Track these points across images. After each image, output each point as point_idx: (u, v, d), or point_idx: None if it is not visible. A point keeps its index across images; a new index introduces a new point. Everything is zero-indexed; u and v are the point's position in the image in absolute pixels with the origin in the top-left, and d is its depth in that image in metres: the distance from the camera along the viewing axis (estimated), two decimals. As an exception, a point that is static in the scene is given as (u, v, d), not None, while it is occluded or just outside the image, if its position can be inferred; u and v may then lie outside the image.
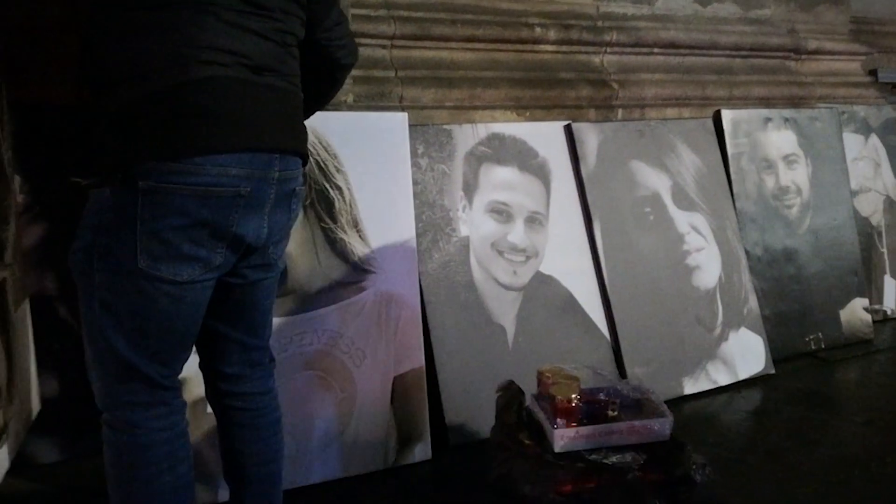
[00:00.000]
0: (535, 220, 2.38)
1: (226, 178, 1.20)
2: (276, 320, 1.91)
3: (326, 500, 1.88)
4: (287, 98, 1.32)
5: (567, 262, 2.40)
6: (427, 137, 2.27)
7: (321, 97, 1.59)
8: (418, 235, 2.17)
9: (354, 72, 2.19)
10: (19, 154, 1.98)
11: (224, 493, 1.83)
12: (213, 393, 1.51)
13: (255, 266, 1.37)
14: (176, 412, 1.34)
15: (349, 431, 1.99)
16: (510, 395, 1.71)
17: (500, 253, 2.31)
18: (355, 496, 1.90)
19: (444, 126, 2.31)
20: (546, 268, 2.37)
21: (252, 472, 1.50)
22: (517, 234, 2.34)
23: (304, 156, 1.38)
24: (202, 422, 1.84)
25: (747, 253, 2.75)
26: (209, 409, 1.83)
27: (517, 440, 1.63)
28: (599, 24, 2.77)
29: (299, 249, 1.97)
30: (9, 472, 1.89)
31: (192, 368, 1.83)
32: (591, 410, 1.63)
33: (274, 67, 1.28)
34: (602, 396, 1.65)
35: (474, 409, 2.14)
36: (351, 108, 2.17)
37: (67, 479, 1.91)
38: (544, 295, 2.34)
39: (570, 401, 1.59)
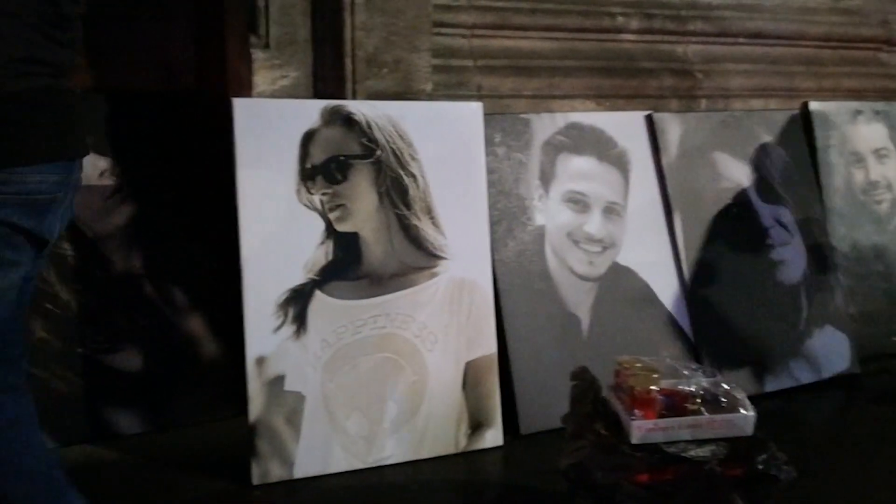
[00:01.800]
0: (612, 211, 2.34)
1: (45, 186, 1.25)
2: (351, 303, 1.97)
3: (398, 481, 1.90)
4: (81, 103, 1.37)
5: (645, 253, 2.36)
6: (504, 126, 2.26)
7: None
8: (493, 223, 2.17)
9: (434, 61, 2.22)
10: (110, 138, 2.08)
11: (301, 469, 1.89)
12: None
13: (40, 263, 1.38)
14: None
15: (421, 414, 2.00)
16: (585, 384, 1.68)
17: (576, 243, 2.29)
18: (427, 478, 1.92)
19: (522, 115, 2.30)
20: (623, 259, 2.33)
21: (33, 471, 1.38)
22: (594, 224, 2.31)
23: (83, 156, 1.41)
24: (280, 399, 1.89)
25: (834, 249, 2.65)
26: (287, 387, 1.90)
27: (592, 430, 1.61)
28: (683, 13, 2.72)
29: (374, 235, 2.00)
30: (92, 442, 1.99)
31: (269, 346, 1.90)
32: (670, 403, 1.59)
33: (68, 75, 1.33)
34: (682, 389, 1.61)
35: (546, 398, 2.12)
36: (430, 96, 2.18)
37: (148, 451, 1.99)
38: (621, 286, 2.31)
39: (648, 392, 1.55)
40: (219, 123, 2.18)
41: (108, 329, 2.04)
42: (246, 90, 2.04)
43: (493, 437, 2.06)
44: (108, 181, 2.06)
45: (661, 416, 1.58)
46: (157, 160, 2.12)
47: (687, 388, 1.64)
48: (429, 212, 2.06)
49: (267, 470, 1.87)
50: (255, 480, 1.85)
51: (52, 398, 1.97)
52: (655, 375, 1.61)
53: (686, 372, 1.67)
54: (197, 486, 1.86)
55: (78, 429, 1.99)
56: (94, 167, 2.05)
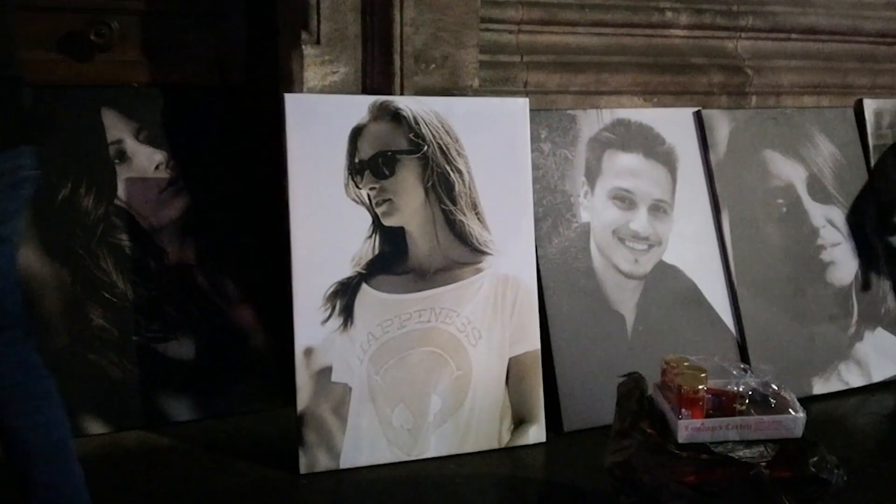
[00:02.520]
0: (659, 209, 2.32)
1: None
2: (397, 297, 2.00)
3: (442, 474, 1.92)
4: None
5: (692, 252, 2.33)
6: (550, 122, 2.26)
7: None
8: (538, 220, 2.17)
9: (481, 57, 2.22)
10: (165, 132, 2.13)
11: (347, 460, 1.92)
12: None
13: None
14: None
15: (464, 409, 2.02)
16: (632, 382, 1.68)
17: (622, 240, 2.28)
18: (470, 472, 1.93)
19: (568, 111, 2.30)
20: (669, 257, 2.31)
21: (34, 444, 1.44)
22: (640, 221, 2.29)
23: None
24: (327, 390, 1.92)
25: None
26: (334, 379, 1.93)
27: (638, 428, 1.60)
28: (734, 8, 2.67)
29: (420, 230, 2.02)
30: (146, 428, 2.05)
31: (316, 338, 1.93)
32: (718, 403, 1.58)
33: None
34: (730, 389, 1.60)
35: (590, 396, 2.13)
36: (476, 92, 2.19)
37: (198, 438, 2.04)
38: (666, 285, 2.29)
39: (696, 391, 1.54)
40: (270, 118, 2.22)
41: (161, 318, 2.09)
42: (296, 85, 2.07)
43: (535, 433, 2.07)
44: (164, 174, 2.12)
45: (709, 415, 1.57)
46: (210, 154, 2.17)
47: (735, 389, 1.62)
48: (474, 207, 2.07)
49: (314, 459, 1.90)
50: (303, 469, 1.89)
51: (108, 385, 2.03)
52: (703, 375, 1.60)
53: (734, 372, 1.66)
54: (246, 473, 1.90)
55: (132, 415, 2.05)
56: (150, 160, 2.11)
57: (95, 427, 2.02)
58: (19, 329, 1.42)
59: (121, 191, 2.08)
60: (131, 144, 2.10)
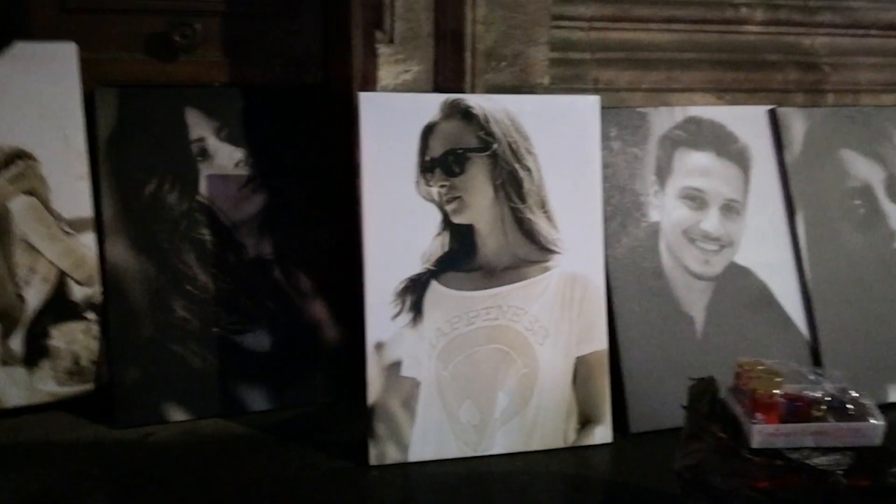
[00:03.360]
0: (731, 209, 2.29)
1: None
2: (465, 294, 2.02)
3: (509, 471, 1.94)
4: None
5: (764, 253, 2.29)
6: (620, 120, 2.25)
7: None
8: (607, 219, 2.16)
9: (551, 54, 2.22)
10: (244, 130, 2.20)
11: (415, 453, 1.96)
12: None
13: None
14: None
15: (531, 407, 2.03)
16: (704, 385, 1.67)
17: (692, 241, 2.25)
18: (536, 470, 1.95)
19: (639, 109, 2.28)
20: (741, 258, 2.27)
21: None
22: (711, 221, 2.27)
23: None
24: (397, 384, 1.96)
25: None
26: (403, 373, 1.97)
27: (710, 432, 1.60)
28: (811, 3, 2.60)
29: (489, 227, 2.04)
30: (224, 417, 2.13)
31: (387, 333, 1.97)
32: (794, 408, 1.56)
33: None
34: (807, 394, 1.57)
35: (657, 398, 2.11)
36: (547, 90, 2.19)
37: (273, 427, 2.10)
38: (738, 287, 2.25)
39: (770, 396, 1.53)
40: (343, 117, 2.28)
41: (239, 310, 2.17)
42: (370, 84, 2.11)
43: (602, 433, 2.07)
44: (243, 171, 2.19)
45: (784, 421, 1.55)
46: (287, 152, 2.24)
47: (812, 394, 1.59)
48: (543, 206, 2.08)
49: (383, 452, 1.95)
50: (372, 461, 1.94)
51: (189, 374, 2.12)
52: (779, 379, 1.58)
53: (811, 377, 1.63)
54: (318, 462, 1.96)
55: (211, 403, 2.13)
56: (230, 158, 2.18)
57: (177, 414, 2.10)
58: None
59: (203, 187, 2.16)
60: (213, 142, 2.18)
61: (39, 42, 2.04)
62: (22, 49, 1.98)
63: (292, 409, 2.18)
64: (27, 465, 1.90)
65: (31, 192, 2.00)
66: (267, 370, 2.18)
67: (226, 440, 2.04)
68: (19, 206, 2.00)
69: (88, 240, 2.05)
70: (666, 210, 2.25)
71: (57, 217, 2.03)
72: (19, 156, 1.99)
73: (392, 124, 1.99)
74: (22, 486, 1.81)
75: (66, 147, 2.02)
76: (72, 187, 2.03)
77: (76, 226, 2.04)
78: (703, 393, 1.69)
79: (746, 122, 2.35)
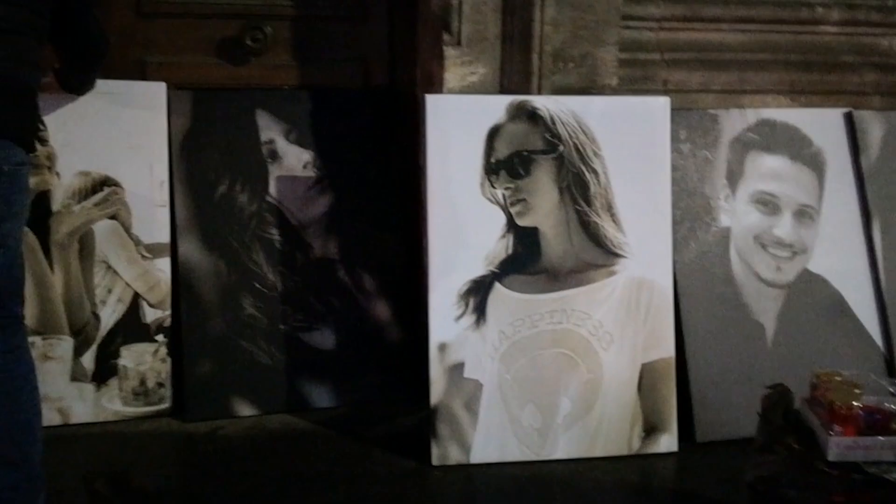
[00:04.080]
0: (804, 214, 2.22)
1: None
2: (529, 297, 2.01)
3: (571, 476, 1.93)
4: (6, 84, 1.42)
5: (839, 261, 2.22)
6: (690, 122, 2.21)
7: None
8: (675, 223, 2.12)
9: (619, 55, 2.20)
10: (312, 132, 2.24)
11: (477, 455, 1.96)
12: None
13: None
14: None
15: (594, 413, 2.01)
16: (777, 395, 1.63)
17: (764, 247, 2.20)
18: (599, 476, 1.93)
19: (710, 111, 2.23)
20: (814, 266, 2.21)
21: (19, 418, 1.56)
22: (784, 227, 2.20)
23: (13, 139, 1.45)
24: (460, 386, 1.97)
25: None
26: (466, 375, 1.98)
27: (784, 443, 1.56)
28: (890, 3, 2.50)
29: (554, 230, 2.02)
30: (290, 412, 2.17)
31: (450, 334, 1.98)
32: (872, 420, 1.51)
33: None
34: (887, 407, 1.52)
35: (725, 407, 2.07)
36: (615, 91, 2.17)
37: (337, 424, 2.13)
38: (811, 295, 2.19)
39: (849, 408, 1.48)
40: (409, 118, 2.30)
41: (305, 309, 2.21)
42: (436, 86, 2.12)
43: (667, 442, 2.03)
44: (311, 173, 2.23)
45: (862, 434, 1.50)
46: (353, 153, 2.27)
47: (892, 407, 1.54)
48: (609, 209, 2.05)
49: (446, 452, 1.95)
50: (435, 461, 1.95)
51: (257, 370, 2.17)
52: (857, 391, 1.53)
53: (892, 389, 1.58)
54: (381, 460, 1.98)
55: (277, 399, 2.18)
56: (299, 160, 2.23)
57: (245, 409, 2.16)
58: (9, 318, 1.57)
59: (272, 188, 2.21)
60: (282, 144, 2.22)
61: (132, 81, 2.15)
62: (116, 86, 2.10)
63: (355, 407, 2.21)
64: (103, 452, 1.98)
65: (114, 217, 2.10)
66: (331, 367, 2.22)
67: (292, 436, 2.08)
68: (103, 229, 2.10)
69: (164, 265, 2.13)
70: (737, 215, 2.20)
71: (136, 242, 2.11)
72: (107, 183, 2.09)
73: (457, 126, 1.99)
74: (96, 470, 1.88)
75: (150, 177, 2.12)
76: (152, 214, 2.12)
77: (154, 251, 2.13)
78: (777, 403, 1.65)
79: (821, 125, 2.28)
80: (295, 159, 2.23)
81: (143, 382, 2.12)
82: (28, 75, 1.51)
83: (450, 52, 2.09)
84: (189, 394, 2.12)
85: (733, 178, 2.21)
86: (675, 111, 2.14)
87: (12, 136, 1.47)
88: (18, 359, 1.57)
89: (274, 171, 2.21)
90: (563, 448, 2.00)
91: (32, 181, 1.96)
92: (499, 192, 2.01)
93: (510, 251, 2.01)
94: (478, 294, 1.99)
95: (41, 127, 1.98)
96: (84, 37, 1.67)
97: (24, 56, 1.49)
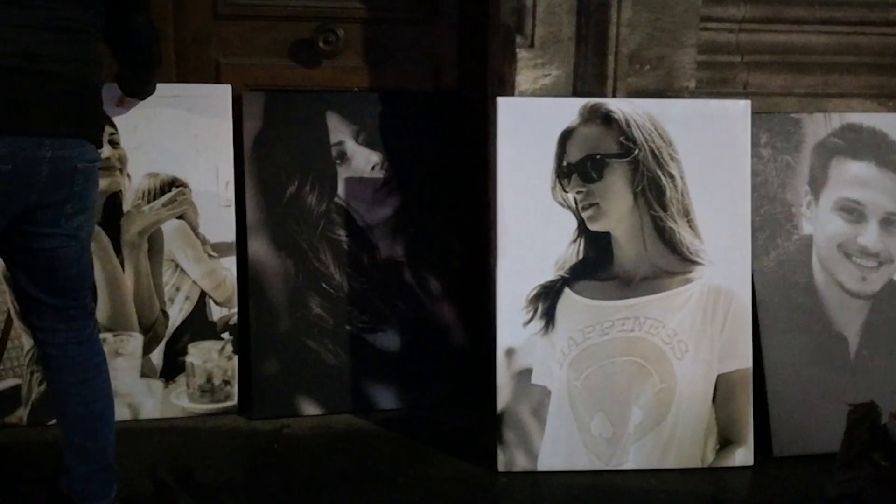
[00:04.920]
0: (891, 223, 2.12)
1: None
2: (600, 303, 1.96)
3: (642, 488, 1.87)
4: (65, 83, 1.44)
5: (931, 272, 2.11)
6: (772, 126, 2.13)
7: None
8: (755, 230, 2.05)
9: (697, 56, 2.13)
10: (381, 134, 2.23)
11: (544, 462, 1.92)
12: (35, 342, 1.64)
13: (47, 234, 1.50)
14: None
15: (667, 423, 1.95)
16: (864, 410, 1.54)
17: (848, 256, 2.10)
18: (671, 489, 1.87)
19: (792, 114, 2.15)
20: (903, 277, 2.11)
21: (74, 411, 1.60)
22: (870, 236, 2.10)
23: (87, 137, 1.51)
24: (527, 392, 1.93)
25: None
26: (534, 381, 1.94)
27: (870, 459, 1.47)
28: None
29: (627, 236, 1.97)
30: (354, 413, 2.16)
31: (518, 339, 1.94)
32: (973, 441, 1.42)
33: (50, 54, 1.40)
34: None
35: (805, 421, 1.99)
36: (692, 94, 2.10)
37: (401, 427, 2.12)
38: (898, 307, 2.09)
39: (945, 426, 1.39)
40: (478, 121, 2.28)
41: (371, 310, 2.20)
42: (507, 89, 2.10)
43: (743, 455, 1.96)
44: (379, 175, 2.22)
45: (960, 455, 1.41)
46: (422, 156, 2.26)
47: None
48: (686, 214, 1.99)
49: (512, 458, 1.92)
50: (501, 467, 1.92)
51: (323, 370, 2.17)
52: (953, 410, 1.44)
53: None
54: (445, 465, 1.96)
55: (343, 399, 2.18)
56: (367, 161, 2.23)
57: (310, 409, 2.16)
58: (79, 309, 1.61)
59: (340, 189, 2.21)
60: (351, 146, 2.23)
61: (199, 84, 2.19)
62: (183, 89, 2.14)
63: (419, 409, 2.19)
64: (170, 447, 2.00)
65: (182, 217, 2.14)
66: (396, 369, 2.21)
67: (356, 436, 2.08)
68: (171, 228, 2.14)
69: (230, 263, 2.15)
70: (820, 222, 2.11)
71: (203, 241, 2.14)
72: (175, 184, 2.13)
73: (529, 129, 1.96)
74: (163, 464, 1.91)
75: (217, 178, 2.15)
76: (218, 214, 2.15)
77: (220, 249, 2.15)
78: (863, 418, 1.56)
79: (911, 130, 2.18)
80: (363, 161, 2.23)
81: (209, 380, 2.15)
82: (94, 74, 1.54)
83: (522, 54, 2.06)
84: (255, 392, 2.14)
85: (816, 184, 2.12)
86: (756, 115, 2.07)
87: (85, 134, 1.52)
88: (90, 349, 1.62)
89: (342, 173, 2.22)
90: (633, 458, 1.94)
91: (104, 182, 2.05)
92: (570, 196, 1.97)
93: (581, 256, 1.97)
94: (547, 299, 1.95)
95: (108, 126, 2.05)
96: (131, 39, 1.69)
97: (90, 56, 1.52)
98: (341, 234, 2.20)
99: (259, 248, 2.16)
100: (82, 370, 1.60)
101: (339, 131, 2.22)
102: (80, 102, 1.50)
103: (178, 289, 2.14)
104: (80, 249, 1.57)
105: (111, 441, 1.63)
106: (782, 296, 2.06)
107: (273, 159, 2.19)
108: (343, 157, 2.22)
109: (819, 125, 2.14)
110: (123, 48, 1.72)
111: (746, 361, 1.98)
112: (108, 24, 1.58)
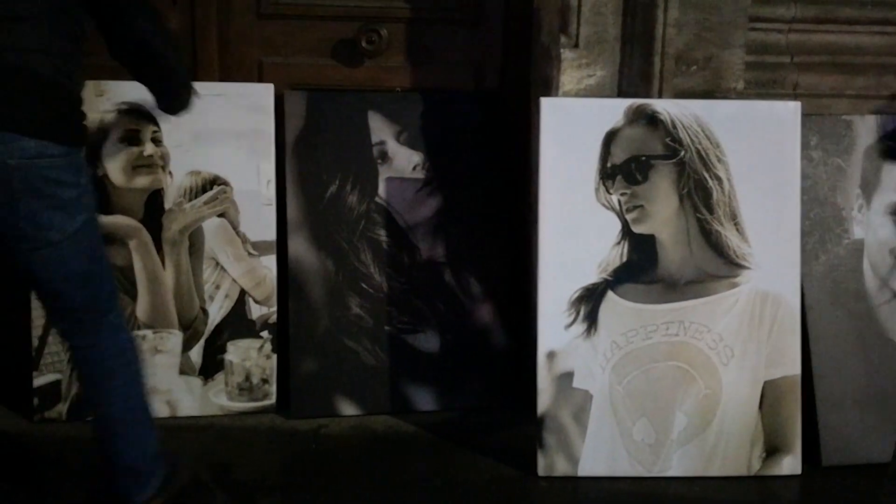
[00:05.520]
0: (947, 228, 2.06)
1: None
2: (643, 307, 1.93)
3: (686, 495, 1.84)
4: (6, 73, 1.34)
5: None
6: (822, 128, 2.08)
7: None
8: (804, 234, 2.00)
9: (746, 57, 2.09)
10: (423, 135, 2.22)
11: (585, 468, 1.89)
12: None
13: (12, 238, 1.41)
14: None
15: (711, 430, 1.91)
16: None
17: (901, 261, 2.05)
18: (716, 497, 1.84)
19: (844, 116, 2.10)
20: (960, 284, 2.04)
21: (94, 410, 1.60)
22: (924, 241, 2.05)
23: (20, 131, 1.34)
24: (568, 396, 1.90)
25: None
26: (575, 384, 1.91)
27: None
28: None
29: (672, 239, 1.94)
30: (393, 414, 2.15)
31: (559, 342, 1.92)
32: None
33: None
34: None
35: (854, 430, 1.95)
36: (740, 95, 2.07)
37: (440, 429, 2.11)
38: (954, 314, 2.03)
39: None
40: (520, 122, 2.26)
41: (411, 311, 2.19)
42: (550, 90, 2.08)
43: (790, 464, 1.91)
44: (420, 175, 2.22)
45: None
46: (463, 156, 2.24)
47: None
48: (733, 217, 1.95)
49: (552, 463, 1.90)
50: (541, 472, 1.89)
51: (362, 370, 2.16)
52: None
53: None
54: (484, 468, 1.94)
55: (381, 400, 2.17)
56: (409, 162, 2.22)
57: (349, 409, 2.15)
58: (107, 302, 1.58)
59: (381, 189, 2.21)
60: (392, 146, 2.22)
61: (241, 83, 2.19)
62: (225, 88, 2.15)
63: (458, 412, 2.17)
64: (208, 444, 2.01)
65: (223, 215, 2.15)
66: (435, 371, 2.19)
67: (394, 438, 2.06)
68: (212, 226, 2.15)
69: (270, 262, 2.16)
70: (871, 227, 2.05)
71: (244, 239, 2.15)
72: (216, 182, 2.14)
73: (573, 130, 1.94)
74: (201, 462, 1.91)
75: (258, 177, 2.15)
76: (259, 213, 2.15)
77: (260, 248, 2.15)
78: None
79: (968, 132, 2.12)
80: (405, 161, 2.22)
81: (248, 378, 2.15)
82: (41, 64, 1.38)
83: (566, 54, 2.04)
84: (294, 391, 2.13)
85: (868, 187, 2.07)
86: (806, 116, 2.02)
87: (16, 127, 1.36)
88: (102, 353, 1.55)
89: (384, 173, 2.21)
90: (676, 465, 1.91)
91: (147, 180, 2.07)
92: (614, 198, 1.94)
93: (625, 259, 1.94)
94: (589, 302, 1.93)
95: (151, 124, 2.05)
96: (138, 49, 1.51)
97: (38, 46, 1.37)
98: (381, 234, 2.20)
99: (299, 246, 2.16)
100: (91, 374, 1.57)
101: (381, 131, 2.22)
102: (11, 92, 1.35)
103: (217, 287, 2.15)
104: (58, 253, 1.44)
105: (136, 443, 1.58)
106: (832, 301, 2.01)
107: (314, 158, 2.19)
108: (384, 156, 2.22)
109: (871, 128, 2.09)
110: (132, 61, 1.55)
111: (794, 368, 1.93)
112: (108, 37, 1.47)
